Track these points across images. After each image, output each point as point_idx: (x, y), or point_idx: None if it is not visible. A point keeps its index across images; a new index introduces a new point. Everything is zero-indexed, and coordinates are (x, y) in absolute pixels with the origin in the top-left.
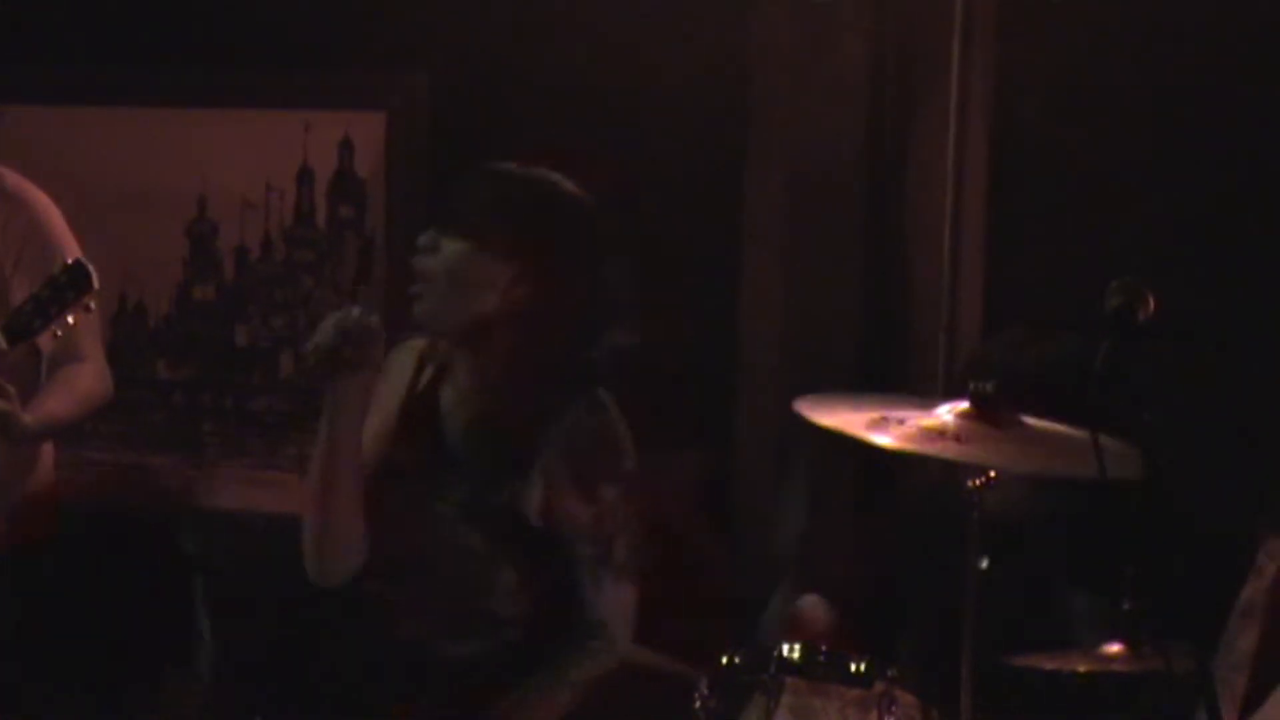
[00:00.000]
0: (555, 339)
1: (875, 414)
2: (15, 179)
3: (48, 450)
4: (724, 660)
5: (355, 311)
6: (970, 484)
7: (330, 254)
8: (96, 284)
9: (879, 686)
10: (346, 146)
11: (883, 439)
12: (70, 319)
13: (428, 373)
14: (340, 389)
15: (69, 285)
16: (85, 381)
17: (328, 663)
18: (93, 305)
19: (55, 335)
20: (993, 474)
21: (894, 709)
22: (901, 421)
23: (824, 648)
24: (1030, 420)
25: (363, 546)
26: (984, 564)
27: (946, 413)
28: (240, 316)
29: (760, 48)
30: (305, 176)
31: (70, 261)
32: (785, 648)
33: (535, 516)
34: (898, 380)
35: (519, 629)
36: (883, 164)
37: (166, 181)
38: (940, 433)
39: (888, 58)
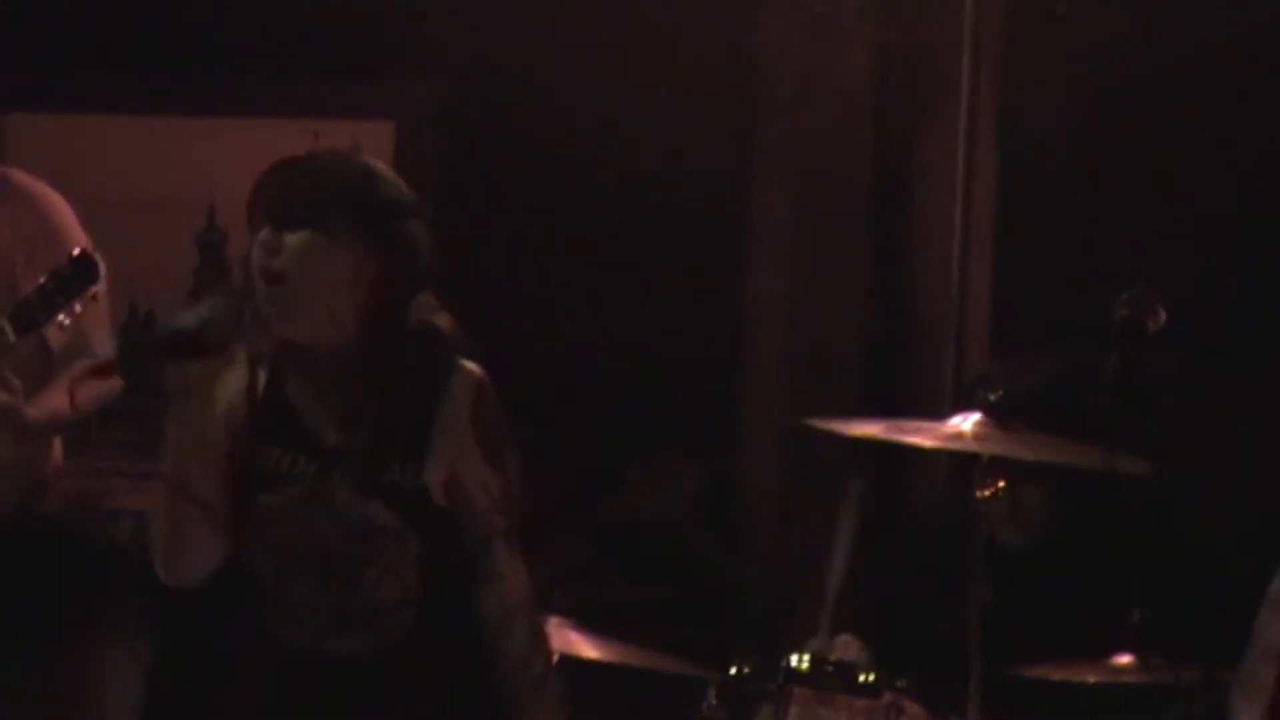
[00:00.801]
0: (402, 311)
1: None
2: (23, 177)
3: (56, 457)
4: (732, 670)
5: (224, 300)
6: (980, 494)
7: None
8: (103, 274)
9: (887, 696)
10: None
11: (913, 438)
12: (77, 308)
13: (263, 375)
14: (187, 375)
15: (75, 276)
16: (92, 376)
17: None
18: (99, 296)
19: (62, 326)
20: (1001, 484)
21: (901, 719)
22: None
23: (832, 657)
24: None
25: (219, 547)
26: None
27: (959, 423)
28: None
29: (765, 57)
30: None
31: (76, 253)
32: (794, 658)
33: (438, 494)
34: (903, 389)
35: (415, 617)
36: (889, 173)
37: (176, 190)
38: (958, 436)
39: (894, 67)
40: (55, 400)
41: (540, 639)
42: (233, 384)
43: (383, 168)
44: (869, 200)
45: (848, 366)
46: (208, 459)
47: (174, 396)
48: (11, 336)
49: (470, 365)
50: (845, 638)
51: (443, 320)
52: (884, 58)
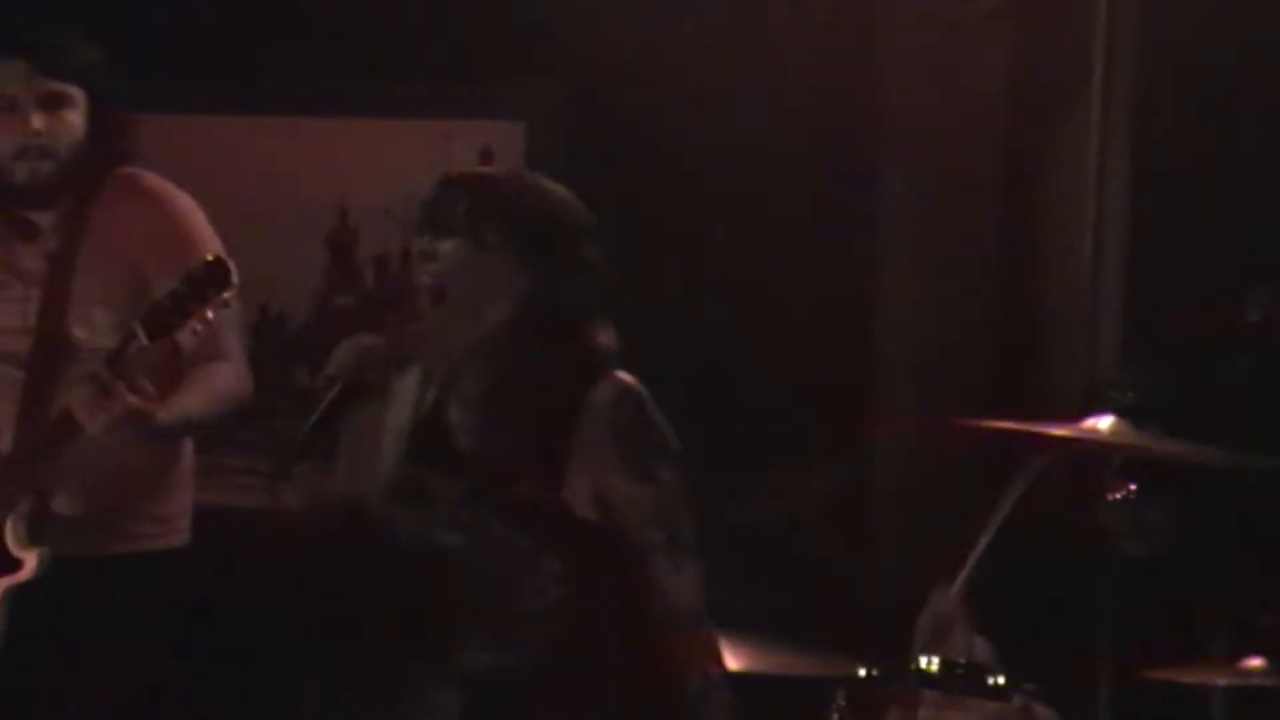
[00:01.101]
0: (562, 329)
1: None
2: (156, 180)
3: (188, 456)
4: (861, 672)
5: (367, 340)
6: (1111, 497)
7: None
8: (235, 279)
9: (1017, 701)
10: (487, 156)
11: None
12: (210, 314)
13: (430, 395)
14: (360, 417)
15: (208, 281)
16: (224, 380)
17: None
18: (231, 301)
19: (195, 332)
20: (1133, 487)
21: None
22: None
23: (962, 661)
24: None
25: None
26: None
27: (1094, 424)
28: (380, 325)
29: (896, 57)
30: None
31: (210, 258)
32: (923, 660)
33: (585, 508)
34: (1034, 392)
35: (562, 632)
36: (1021, 172)
37: (308, 191)
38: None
39: (1026, 65)
40: (186, 403)
41: (706, 652)
42: (404, 403)
43: (553, 187)
44: (1000, 200)
45: (978, 368)
46: (377, 483)
47: (348, 439)
48: (144, 340)
49: (617, 376)
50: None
51: (600, 334)
52: (1016, 56)
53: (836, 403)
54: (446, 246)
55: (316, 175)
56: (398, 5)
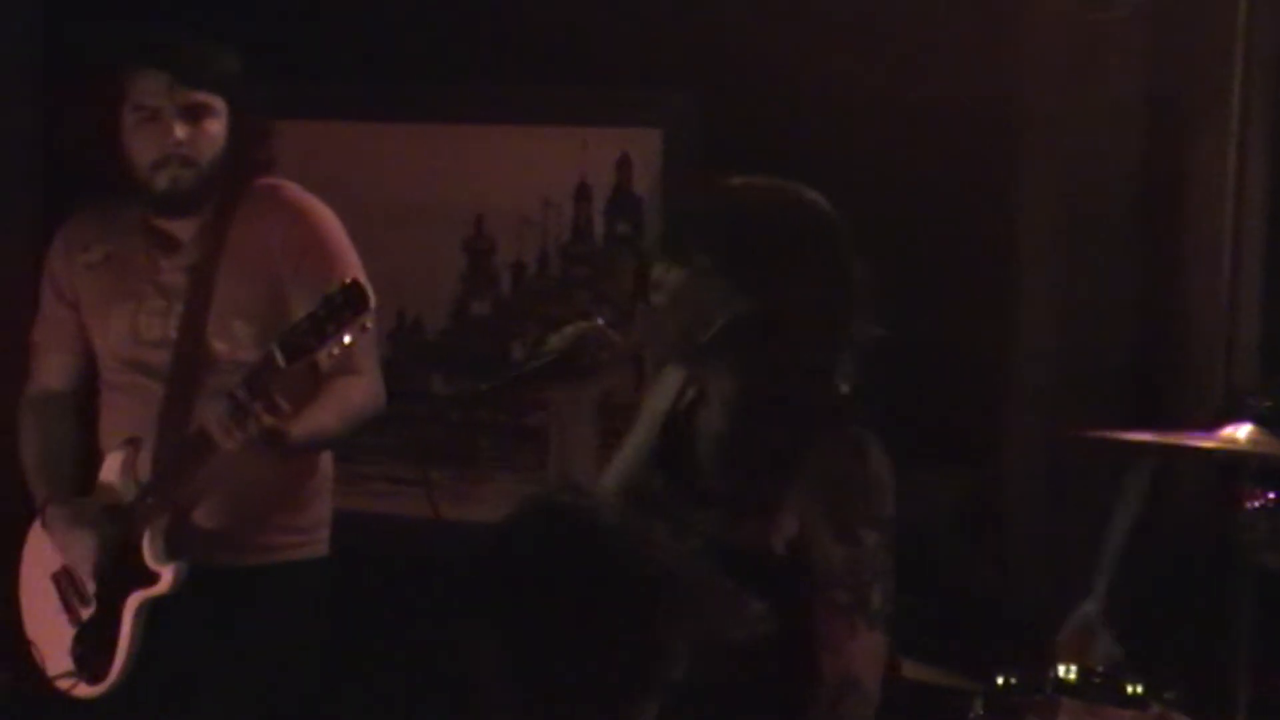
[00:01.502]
0: (798, 359)
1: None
2: (296, 192)
3: (326, 466)
4: (998, 680)
5: (600, 321)
6: (1249, 506)
7: (606, 270)
8: (373, 304)
9: (1154, 709)
10: (624, 163)
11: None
12: (347, 338)
13: (689, 394)
14: (568, 398)
15: (345, 305)
16: (356, 395)
17: None
18: (369, 324)
19: (331, 355)
20: (1271, 495)
21: None
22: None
23: (1100, 669)
24: None
25: None
26: None
27: (1233, 432)
28: (516, 332)
29: (1031, 68)
30: (583, 193)
31: (348, 281)
32: (1060, 669)
33: (783, 549)
34: (1172, 401)
35: (758, 664)
36: (1159, 182)
37: (444, 197)
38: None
39: (1164, 74)
40: (320, 420)
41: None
42: (666, 391)
43: (807, 210)
44: (1138, 210)
45: (1116, 376)
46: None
47: (555, 418)
48: (281, 363)
49: (852, 430)
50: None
51: (840, 376)
52: (1154, 65)
53: (972, 411)
54: (665, 265)
55: (454, 182)
56: (535, 12)
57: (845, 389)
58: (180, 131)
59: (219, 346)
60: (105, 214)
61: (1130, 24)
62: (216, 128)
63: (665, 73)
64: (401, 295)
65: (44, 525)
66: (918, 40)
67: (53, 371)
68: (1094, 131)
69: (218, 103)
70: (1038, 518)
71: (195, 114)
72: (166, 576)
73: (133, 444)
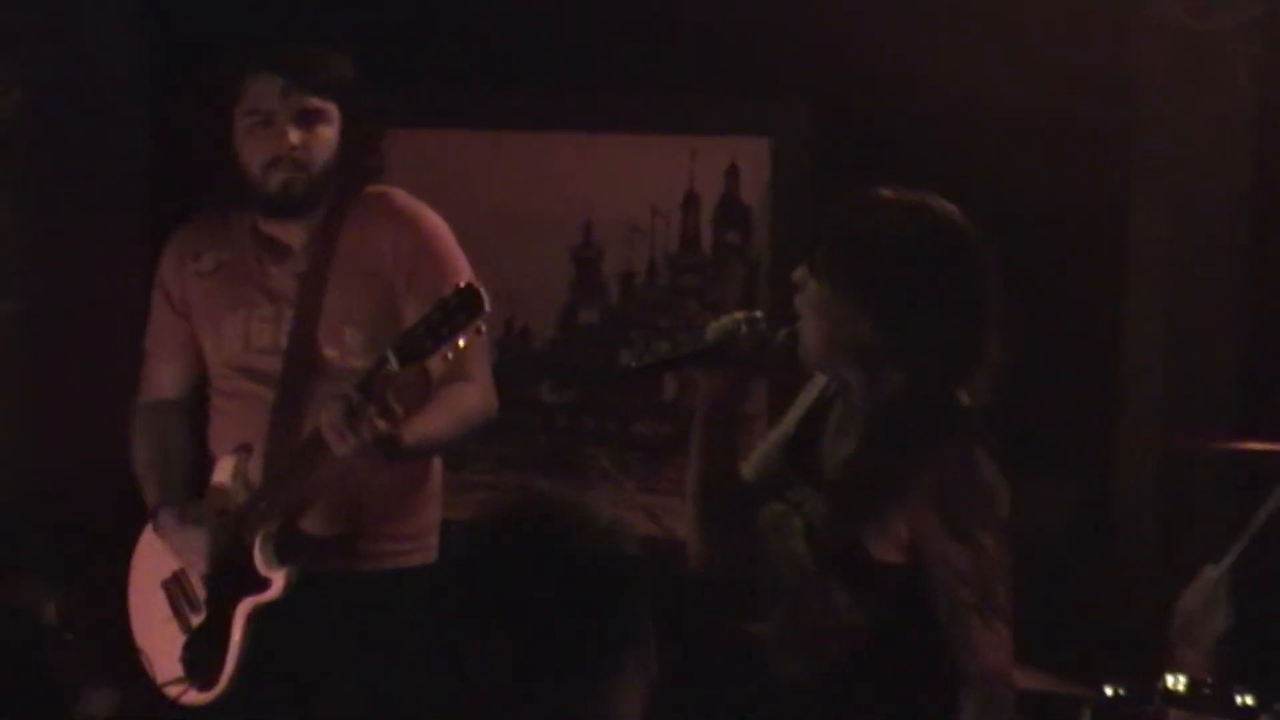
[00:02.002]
0: (927, 381)
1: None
2: (406, 199)
3: (437, 473)
4: (1108, 691)
5: (758, 313)
6: None
7: (715, 279)
8: (488, 307)
9: None
10: (732, 172)
11: None
12: (461, 342)
13: (829, 393)
14: (714, 384)
15: (460, 308)
16: (468, 401)
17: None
18: (483, 328)
19: (446, 358)
20: None
21: None
22: None
23: (1209, 680)
24: None
25: (734, 549)
26: None
27: None
28: (624, 340)
29: (1145, 79)
30: (691, 202)
31: (462, 285)
32: (1169, 680)
33: (894, 555)
34: None
35: (853, 656)
36: (1270, 194)
37: (553, 206)
38: None
39: (1276, 86)
40: (432, 426)
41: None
42: (803, 396)
43: (946, 228)
44: (1249, 222)
45: (1226, 388)
46: (731, 468)
47: (701, 404)
48: (395, 367)
49: (963, 436)
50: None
51: (962, 392)
52: (1266, 77)
53: (1085, 419)
54: (807, 278)
55: (563, 190)
56: (644, 21)
57: (965, 400)
58: (294, 136)
59: (329, 353)
60: (216, 222)
61: (1241, 35)
62: (329, 133)
63: (775, 82)
64: (510, 304)
65: (155, 529)
66: (1029, 52)
67: (164, 379)
68: (1204, 143)
69: (330, 108)
70: (1149, 528)
71: (309, 119)
72: (277, 582)
73: (244, 450)
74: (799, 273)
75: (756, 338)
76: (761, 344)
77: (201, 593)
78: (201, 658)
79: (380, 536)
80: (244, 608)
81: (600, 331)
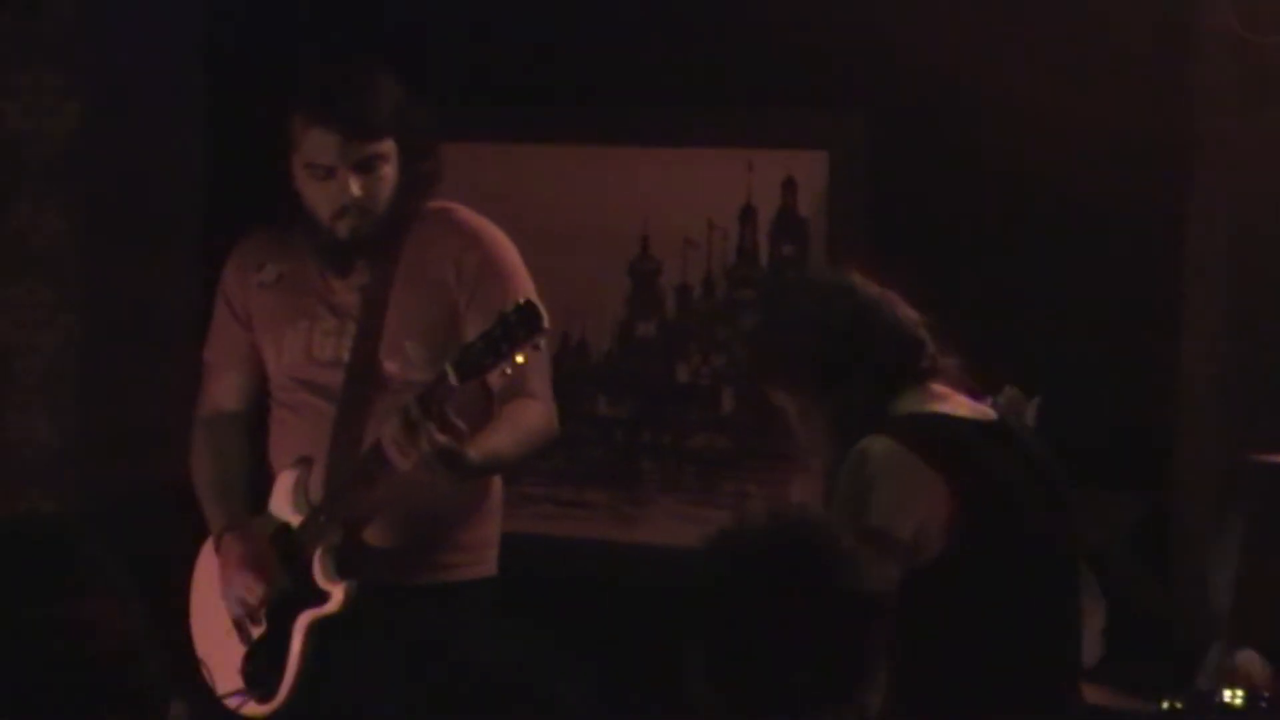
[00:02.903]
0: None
1: None
2: (469, 215)
3: (497, 486)
4: (1164, 705)
5: None
6: None
7: (771, 293)
8: (547, 324)
9: None
10: (789, 185)
11: None
12: (520, 358)
13: None
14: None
15: (520, 324)
16: (532, 418)
17: None
18: (542, 345)
19: (505, 373)
20: None
21: None
22: None
23: (1266, 694)
24: None
25: None
26: None
27: None
28: (681, 354)
29: (1204, 90)
30: (748, 215)
31: (522, 301)
32: (1227, 694)
33: None
34: None
35: None
36: None
37: (609, 219)
38: None
39: None
40: (496, 442)
41: None
42: None
43: (849, 312)
44: None
45: None
46: None
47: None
48: (454, 381)
49: (866, 441)
50: (1249, 653)
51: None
52: None
53: (1142, 435)
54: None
55: (619, 204)
56: (700, 34)
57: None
58: (356, 187)
59: (391, 367)
60: (279, 234)
61: None
62: (390, 171)
63: (832, 95)
64: (567, 317)
65: (218, 552)
66: (1087, 64)
67: (226, 391)
68: (1262, 155)
69: (389, 146)
70: (1207, 542)
71: (369, 166)
72: (337, 596)
73: (305, 463)
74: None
75: None
76: None
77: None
78: (261, 670)
79: (442, 549)
80: (303, 621)
81: (657, 345)
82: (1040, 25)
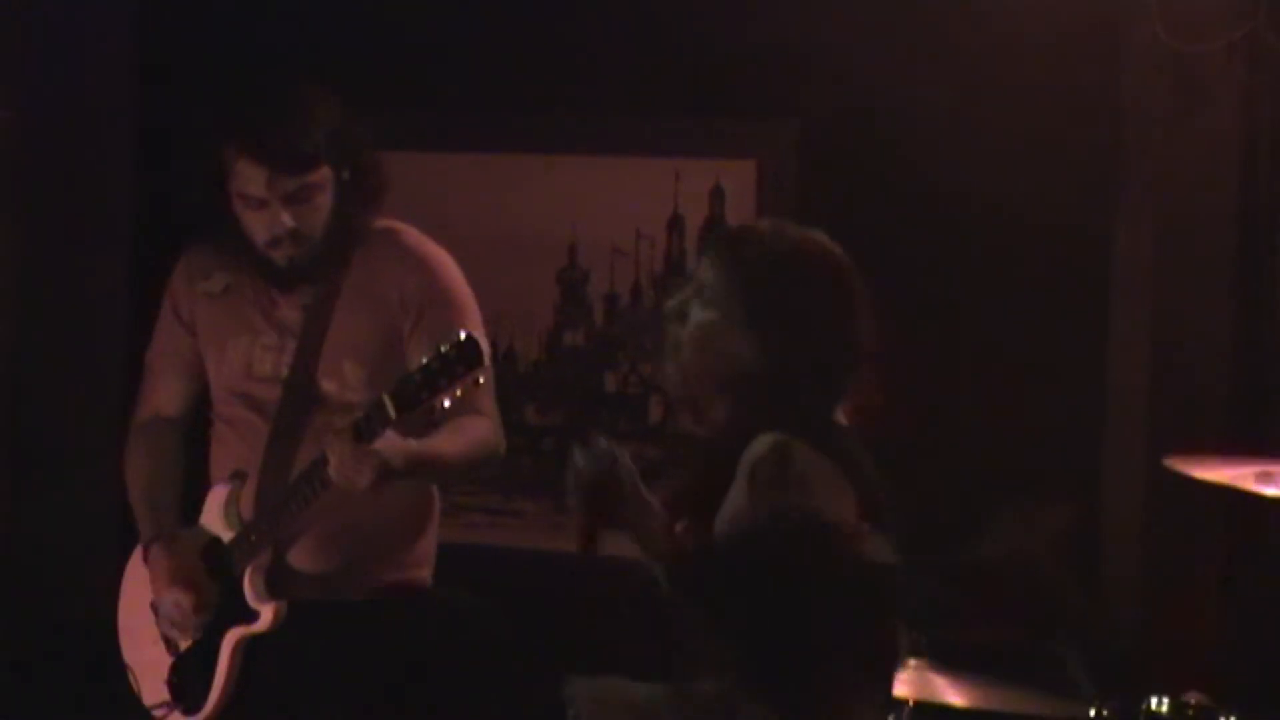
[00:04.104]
0: (789, 398)
1: (1258, 469)
2: (416, 237)
3: (435, 501)
4: (1092, 713)
5: (601, 446)
6: None
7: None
8: (487, 360)
9: None
10: (717, 194)
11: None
12: (458, 391)
13: None
14: (614, 520)
15: (459, 359)
16: (475, 431)
17: None
18: (482, 379)
19: (442, 407)
20: None
21: None
22: None
23: (1193, 702)
24: None
25: None
26: None
27: None
28: (610, 363)
29: (1131, 99)
30: (676, 224)
31: (463, 336)
32: (1153, 700)
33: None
34: (1270, 433)
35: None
36: (1257, 217)
37: (538, 228)
38: None
39: (1263, 110)
40: (437, 443)
41: None
42: None
43: (824, 259)
44: (1235, 243)
45: (1212, 410)
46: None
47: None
48: (391, 414)
49: (768, 437)
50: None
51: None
52: (1252, 98)
53: (1070, 438)
54: (692, 309)
55: (547, 212)
56: (627, 43)
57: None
58: (287, 218)
59: (328, 386)
60: (228, 243)
61: (1228, 56)
62: (323, 199)
63: (760, 104)
64: (495, 326)
65: (147, 561)
66: (1016, 74)
67: (165, 396)
68: (1190, 164)
69: (322, 174)
70: (1135, 549)
71: (300, 197)
72: (266, 615)
73: (238, 478)
74: (671, 304)
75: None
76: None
77: None
78: (188, 682)
79: (379, 564)
80: (231, 637)
81: (585, 354)
82: (968, 35)
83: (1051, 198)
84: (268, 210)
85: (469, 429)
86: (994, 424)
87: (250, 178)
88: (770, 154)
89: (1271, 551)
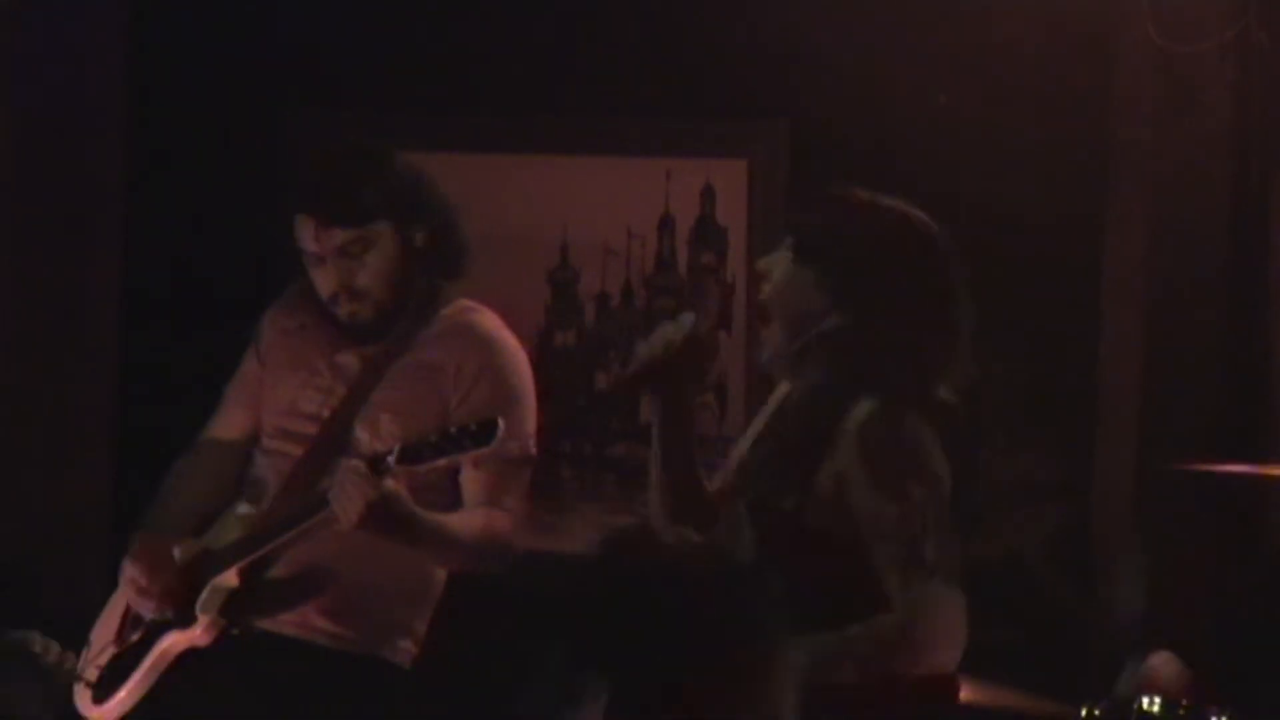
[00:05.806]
0: (879, 369)
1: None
2: (494, 322)
3: (438, 581)
4: (1084, 712)
5: (687, 320)
6: None
7: (691, 301)
8: (493, 445)
9: None
10: (709, 194)
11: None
12: (456, 465)
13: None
14: (665, 402)
15: (471, 437)
16: (491, 521)
17: None
18: (482, 459)
19: (436, 469)
20: None
21: None
22: None
23: (1184, 702)
24: None
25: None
26: None
27: None
28: (601, 363)
29: (1122, 100)
30: (667, 224)
31: (484, 420)
32: (1145, 700)
33: (822, 514)
34: (1260, 434)
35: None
36: (1249, 218)
37: (529, 228)
38: None
39: (1254, 111)
40: (446, 519)
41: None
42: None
43: (918, 231)
44: (1227, 244)
45: (1203, 411)
46: (694, 478)
47: (656, 423)
48: (393, 465)
49: (890, 404)
50: (1164, 655)
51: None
52: (1243, 99)
53: (1061, 440)
54: (776, 268)
55: (538, 212)
56: (618, 43)
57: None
58: (338, 274)
59: (361, 434)
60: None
61: (1220, 58)
62: (377, 259)
63: (751, 103)
64: None
65: (127, 552)
66: (1006, 73)
67: (226, 423)
68: (1180, 165)
69: (373, 233)
70: (1128, 549)
71: (348, 252)
72: (200, 625)
73: (253, 503)
74: (763, 262)
75: (696, 341)
76: (700, 345)
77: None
78: (113, 673)
79: (343, 616)
80: (165, 640)
81: (576, 354)
82: (959, 35)
83: (1043, 198)
84: (324, 267)
85: (484, 517)
86: (986, 423)
87: (304, 232)
88: (761, 153)
89: (1265, 551)
